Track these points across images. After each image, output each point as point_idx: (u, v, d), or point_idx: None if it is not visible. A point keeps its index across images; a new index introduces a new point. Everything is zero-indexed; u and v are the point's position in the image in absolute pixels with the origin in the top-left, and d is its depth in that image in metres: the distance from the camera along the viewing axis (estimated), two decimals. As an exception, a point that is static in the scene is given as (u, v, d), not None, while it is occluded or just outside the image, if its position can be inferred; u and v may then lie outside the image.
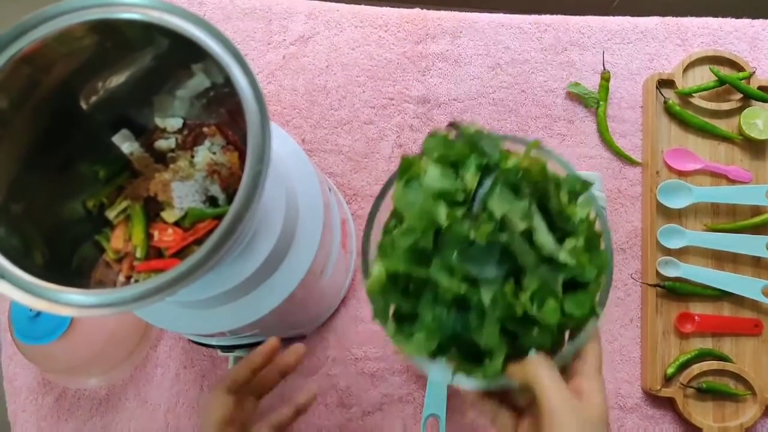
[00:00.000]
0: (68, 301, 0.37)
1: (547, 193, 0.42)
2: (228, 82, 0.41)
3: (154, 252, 0.48)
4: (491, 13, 0.87)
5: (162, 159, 0.51)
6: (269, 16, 0.86)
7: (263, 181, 0.39)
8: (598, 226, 0.44)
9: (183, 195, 0.48)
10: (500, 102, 0.83)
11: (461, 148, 0.43)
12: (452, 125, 0.45)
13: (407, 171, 0.42)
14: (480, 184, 0.42)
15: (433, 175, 0.41)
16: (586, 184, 0.44)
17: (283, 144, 0.58)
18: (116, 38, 0.41)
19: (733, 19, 0.86)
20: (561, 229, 0.42)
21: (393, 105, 0.84)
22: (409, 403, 0.77)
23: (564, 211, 0.43)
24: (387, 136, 0.83)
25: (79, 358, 0.73)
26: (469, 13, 0.86)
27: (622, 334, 0.79)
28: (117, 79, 0.46)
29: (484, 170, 0.42)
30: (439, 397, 0.74)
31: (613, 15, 0.86)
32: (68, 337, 0.71)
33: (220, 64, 0.40)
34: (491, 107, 0.83)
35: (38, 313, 0.70)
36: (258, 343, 0.62)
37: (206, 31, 0.41)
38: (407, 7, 0.87)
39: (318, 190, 0.58)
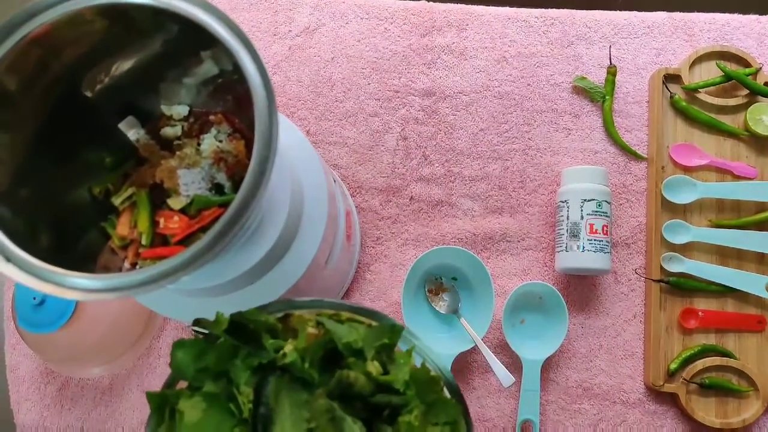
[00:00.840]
0: (74, 284, 0.37)
1: (348, 382, 0.32)
2: (236, 69, 0.40)
3: (159, 239, 0.48)
4: (497, 6, 0.86)
5: (168, 146, 0.51)
6: (275, 7, 0.86)
7: (270, 167, 0.39)
8: (432, 369, 0.37)
9: (189, 182, 0.48)
10: (506, 95, 0.83)
11: (220, 352, 0.34)
12: (197, 323, 0.37)
13: (161, 413, 0.33)
14: (259, 395, 0.32)
15: (192, 422, 0.32)
16: (395, 330, 0.36)
17: (288, 133, 0.58)
18: (125, 23, 0.41)
19: (741, 15, 0.86)
20: (387, 405, 0.34)
21: (398, 97, 0.83)
22: (412, 396, 0.77)
23: (381, 382, 0.34)
24: (392, 129, 0.83)
25: (82, 347, 0.74)
26: (475, 6, 0.86)
27: (626, 330, 0.79)
28: (125, 66, 0.46)
29: (261, 372, 0.34)
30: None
31: (620, 9, 0.86)
32: (72, 326, 0.71)
33: (228, 49, 0.40)
34: (497, 100, 0.83)
35: (42, 302, 0.70)
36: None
37: (215, 17, 0.40)
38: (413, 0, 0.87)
39: (323, 180, 0.58)
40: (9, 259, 0.37)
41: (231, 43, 0.40)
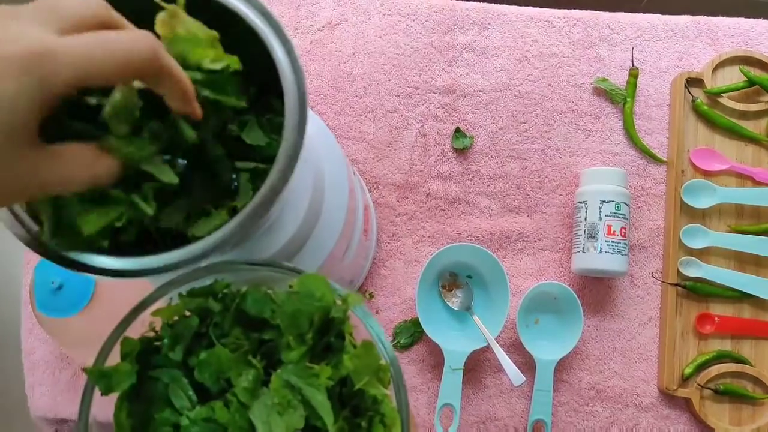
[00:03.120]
0: (101, 265, 0.38)
1: None
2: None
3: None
4: (520, 6, 0.86)
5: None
6: (298, 2, 0.86)
7: (299, 151, 0.39)
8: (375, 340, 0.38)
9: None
10: (526, 95, 0.83)
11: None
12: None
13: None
14: None
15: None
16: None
17: (312, 124, 0.58)
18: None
19: (765, 20, 0.85)
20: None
21: (418, 94, 0.83)
22: (423, 393, 0.77)
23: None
24: (411, 125, 0.83)
25: (98, 333, 0.73)
26: (497, 5, 0.86)
27: (640, 333, 0.79)
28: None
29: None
30: (454, 386, 0.74)
31: (644, 12, 0.86)
32: (88, 312, 0.71)
33: (258, 33, 0.40)
34: (517, 100, 0.83)
35: (60, 287, 0.71)
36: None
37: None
38: (436, -3, 0.87)
39: (344, 173, 0.58)
40: (38, 237, 0.38)
41: (260, 27, 0.40)
